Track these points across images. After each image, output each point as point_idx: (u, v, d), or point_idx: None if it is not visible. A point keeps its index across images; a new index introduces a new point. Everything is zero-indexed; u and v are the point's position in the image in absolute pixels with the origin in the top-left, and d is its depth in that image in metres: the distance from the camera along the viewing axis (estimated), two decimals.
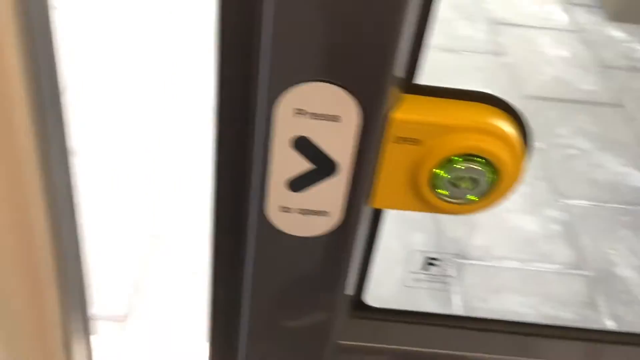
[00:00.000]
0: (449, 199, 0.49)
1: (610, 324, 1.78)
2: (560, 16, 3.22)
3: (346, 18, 0.39)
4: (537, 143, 2.16)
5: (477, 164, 0.47)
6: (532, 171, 2.25)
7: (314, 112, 0.43)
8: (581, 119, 2.53)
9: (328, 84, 0.42)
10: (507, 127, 0.47)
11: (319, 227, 0.49)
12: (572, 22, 3.17)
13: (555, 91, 2.67)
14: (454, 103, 0.48)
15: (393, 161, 0.47)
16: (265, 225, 0.49)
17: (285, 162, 0.45)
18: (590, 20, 3.20)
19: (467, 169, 0.47)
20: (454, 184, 0.48)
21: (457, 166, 0.47)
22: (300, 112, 0.43)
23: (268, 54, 0.41)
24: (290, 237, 0.50)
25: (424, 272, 0.67)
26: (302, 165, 0.46)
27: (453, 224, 1.97)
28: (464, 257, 1.92)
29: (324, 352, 0.60)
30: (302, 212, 0.48)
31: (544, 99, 2.62)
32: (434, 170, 0.47)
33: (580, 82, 2.76)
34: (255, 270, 0.54)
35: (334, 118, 0.43)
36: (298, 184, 0.47)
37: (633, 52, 3.00)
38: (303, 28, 0.40)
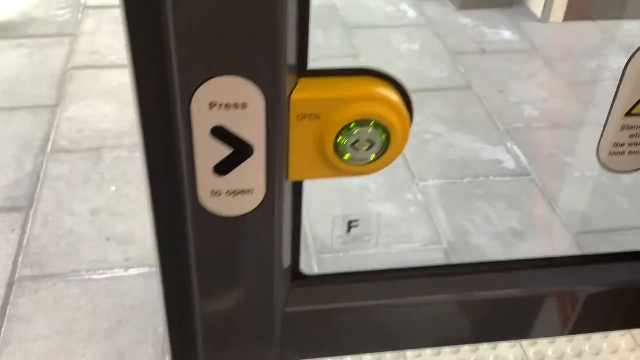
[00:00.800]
0: (355, 162, 0.56)
1: None
2: (410, 13, 3.38)
3: (237, 16, 0.45)
4: None
5: (370, 127, 0.54)
6: None
7: (226, 102, 0.49)
8: (434, 105, 2.67)
9: (233, 77, 0.47)
10: (390, 94, 0.56)
11: (247, 205, 0.55)
12: (421, 16, 3.34)
13: (408, 83, 2.80)
14: (344, 79, 0.55)
15: (300, 136, 0.53)
16: (200, 210, 0.54)
17: (208, 150, 0.51)
18: (440, 12, 3.38)
19: (362, 132, 0.54)
20: (355, 148, 0.55)
21: (354, 132, 0.54)
22: (213, 104, 0.48)
23: (176, 56, 0.46)
24: (224, 219, 0.55)
25: (349, 234, 0.75)
26: (223, 151, 0.51)
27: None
28: (322, 253, 1.99)
29: (272, 322, 0.65)
30: (230, 194, 0.54)
31: None
32: (337, 139, 0.54)
33: (432, 71, 2.90)
34: (197, 254, 0.59)
35: (243, 105, 0.49)
36: (222, 168, 0.52)
37: (481, 35, 3.19)
38: (202, 30, 0.45)
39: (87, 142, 2.39)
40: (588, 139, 2.51)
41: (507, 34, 3.22)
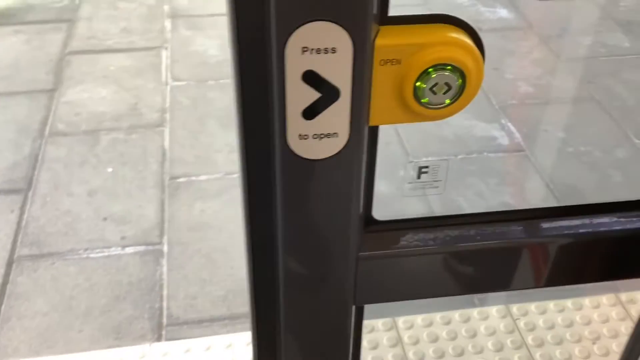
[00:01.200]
0: (431, 106, 0.58)
1: None
2: None
3: None
4: None
5: (448, 71, 0.56)
6: (385, 137, 2.37)
7: (317, 47, 0.52)
8: None
9: (325, 22, 0.51)
10: (466, 39, 0.57)
11: (331, 148, 0.58)
12: None
13: None
14: (422, 26, 0.57)
15: (381, 81, 0.56)
16: (288, 153, 0.58)
17: (298, 95, 0.54)
18: None
19: (441, 76, 0.56)
20: (433, 91, 0.57)
21: (433, 76, 0.56)
22: (305, 49, 0.52)
23: (274, 1, 0.50)
24: (309, 162, 0.59)
25: (419, 180, 0.78)
26: (312, 95, 0.55)
27: None
28: None
29: (347, 266, 0.69)
30: (316, 137, 0.57)
31: None
32: (416, 83, 0.56)
33: None
34: (283, 196, 0.62)
35: (332, 50, 0.52)
36: (310, 112, 0.55)
37: (477, 14, 3.18)
38: None
39: (85, 125, 2.42)
40: (583, 114, 2.52)
41: (503, 12, 3.21)
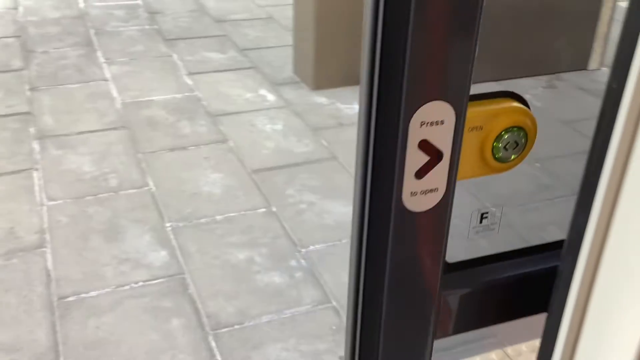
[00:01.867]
0: (502, 161, 0.76)
1: None
2: (269, 97, 3.60)
3: (449, 59, 0.66)
4: (272, 207, 2.42)
5: (516, 132, 0.75)
6: (271, 232, 2.47)
7: (431, 121, 0.67)
8: (303, 177, 2.84)
9: (439, 101, 0.67)
10: (524, 107, 0.76)
11: (432, 201, 0.72)
12: (280, 99, 3.57)
13: (277, 160, 2.97)
14: (493, 100, 0.76)
15: (469, 144, 0.74)
16: (400, 208, 0.72)
17: (414, 159, 0.69)
18: (297, 94, 3.63)
19: (511, 136, 0.75)
20: (505, 149, 0.75)
21: (505, 136, 0.75)
22: (423, 122, 0.67)
23: (406, 87, 0.65)
24: (416, 214, 0.73)
25: (480, 224, 0.91)
26: (423, 159, 0.70)
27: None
28: (217, 329, 2.03)
29: (433, 301, 0.82)
30: (422, 193, 0.72)
31: (269, 169, 2.90)
32: (493, 143, 0.75)
33: (297, 146, 3.10)
34: (393, 245, 0.74)
35: (441, 122, 0.68)
36: (420, 172, 0.70)
37: (337, 111, 3.45)
38: (426, 68, 0.66)
39: None
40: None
41: (356, 107, 3.50)
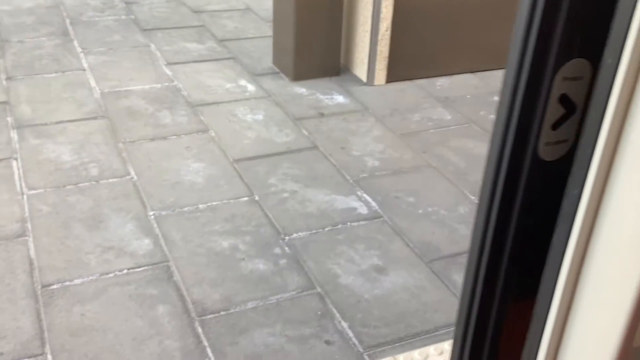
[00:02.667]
0: None
1: (344, 325, 2.03)
2: (250, 87, 3.61)
3: (594, 26, 0.75)
4: (255, 196, 2.44)
5: None
6: (255, 221, 2.48)
7: (573, 76, 0.75)
8: (285, 167, 2.86)
9: (582, 59, 0.75)
10: None
11: (561, 151, 0.80)
12: (260, 90, 3.58)
13: (259, 149, 2.98)
14: None
15: None
16: (535, 158, 0.80)
17: (553, 112, 0.77)
18: (277, 85, 3.64)
19: None
20: None
21: None
22: (566, 78, 0.75)
23: (558, 44, 0.73)
24: (547, 163, 0.81)
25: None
26: (560, 112, 0.77)
27: None
28: (203, 315, 2.05)
29: None
30: (555, 143, 0.79)
31: (251, 158, 2.91)
32: None
33: (278, 136, 3.11)
34: (524, 191, 0.84)
35: (580, 78, 0.76)
36: (556, 125, 0.78)
37: (317, 101, 3.48)
38: (578, 29, 0.75)
39: None
40: (425, 180, 2.82)
41: (339, 98, 3.54)
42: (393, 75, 3.72)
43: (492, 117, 3.42)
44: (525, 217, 0.90)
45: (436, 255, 2.37)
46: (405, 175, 2.86)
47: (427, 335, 2.02)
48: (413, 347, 1.97)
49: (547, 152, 0.83)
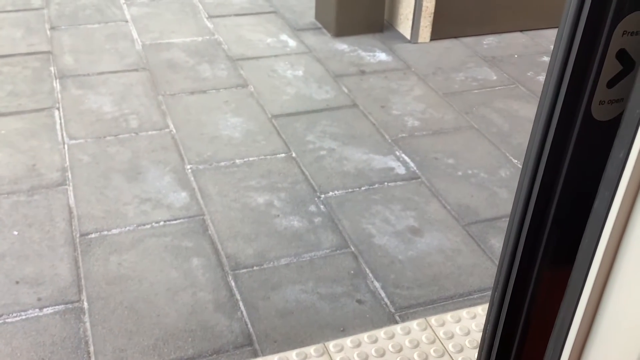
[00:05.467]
0: None
1: (376, 285, 2.01)
2: (290, 43, 3.56)
3: None
4: (292, 153, 2.42)
5: None
6: (291, 178, 2.47)
7: (631, 30, 0.70)
8: (324, 124, 2.82)
9: None
10: None
11: (616, 111, 0.75)
12: (301, 45, 3.52)
13: (298, 106, 2.95)
14: None
15: None
16: (588, 116, 0.75)
17: (609, 69, 0.71)
18: (318, 41, 3.58)
19: None
20: None
21: None
22: (625, 32, 0.69)
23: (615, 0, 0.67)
24: (600, 122, 0.75)
25: None
26: (617, 68, 0.71)
27: None
28: (236, 269, 2.06)
29: None
30: (610, 102, 0.74)
31: (290, 114, 2.88)
32: None
33: (318, 93, 3.07)
34: (574, 151, 0.80)
35: (638, 33, 0.69)
36: (612, 82, 0.72)
37: (359, 58, 3.41)
38: None
39: None
40: (466, 141, 2.76)
41: (382, 55, 3.46)
42: (438, 33, 3.61)
43: (541, 78, 3.30)
44: (572, 180, 0.85)
45: (474, 219, 2.32)
46: (445, 136, 2.79)
47: (460, 299, 1.99)
48: (445, 310, 1.95)
49: (601, 111, 0.77)
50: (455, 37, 3.67)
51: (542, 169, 0.86)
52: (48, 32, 3.55)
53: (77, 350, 1.75)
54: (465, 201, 2.40)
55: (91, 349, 1.76)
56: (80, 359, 1.73)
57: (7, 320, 1.83)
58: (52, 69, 3.18)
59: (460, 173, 2.56)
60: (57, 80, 3.08)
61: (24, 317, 1.84)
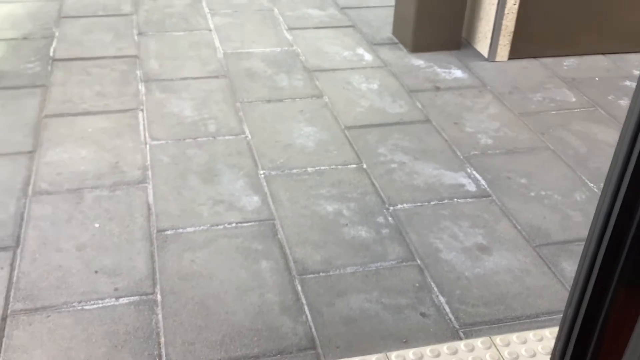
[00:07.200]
0: None
1: (441, 299, 2.01)
2: (367, 56, 3.60)
3: None
4: (363, 164, 2.47)
5: None
6: (361, 188, 2.50)
7: None
8: (396, 138, 2.84)
9: None
10: None
11: None
12: (377, 59, 3.56)
13: (371, 119, 2.99)
14: None
15: None
16: None
17: None
18: (394, 55, 3.61)
19: None
20: None
21: None
22: None
23: None
24: None
25: None
26: None
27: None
28: (303, 274, 2.10)
29: None
30: None
31: (362, 126, 2.92)
32: None
33: (391, 107, 3.10)
34: None
35: None
36: None
37: (434, 75, 3.42)
38: None
39: (67, 184, 2.46)
40: (540, 162, 2.72)
41: (457, 72, 3.45)
42: (516, 52, 3.58)
43: (622, 102, 3.22)
44: None
45: (545, 240, 2.29)
46: (519, 156, 2.76)
47: (527, 320, 1.97)
48: (511, 330, 1.93)
49: None
50: (534, 57, 3.62)
51: (624, 188, 0.86)
52: (136, 37, 3.72)
53: (148, 340, 1.83)
54: (537, 222, 2.37)
55: (162, 340, 1.84)
56: (151, 349, 1.80)
57: (85, 307, 1.93)
58: (138, 72, 3.33)
59: (533, 194, 2.52)
60: (142, 84, 3.22)
61: (100, 305, 1.94)
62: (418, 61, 3.56)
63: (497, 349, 1.86)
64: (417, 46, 3.64)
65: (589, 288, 0.97)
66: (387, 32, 3.89)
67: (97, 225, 2.26)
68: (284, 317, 1.93)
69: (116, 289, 2.00)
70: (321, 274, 2.10)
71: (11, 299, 1.94)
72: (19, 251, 2.12)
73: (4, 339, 1.81)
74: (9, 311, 1.90)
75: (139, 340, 1.83)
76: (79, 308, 1.92)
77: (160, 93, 3.14)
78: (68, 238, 2.19)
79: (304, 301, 1.99)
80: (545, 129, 2.96)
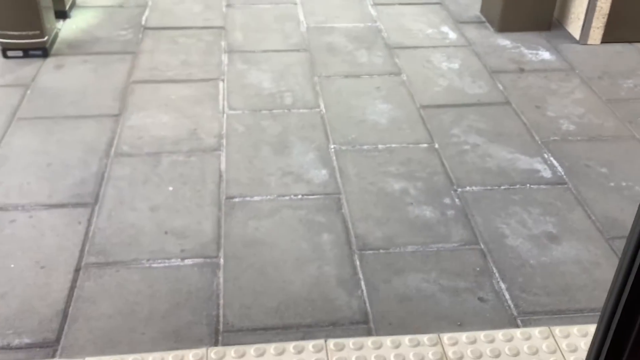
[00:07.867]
0: None
1: (502, 286, 1.97)
2: (451, 35, 3.52)
3: None
4: (435, 144, 2.45)
5: None
6: (430, 168, 2.47)
7: None
8: (472, 119, 2.78)
9: None
10: None
11: None
12: (461, 38, 3.48)
13: (448, 98, 2.93)
14: None
15: None
16: None
17: None
18: (480, 34, 3.51)
19: None
20: None
21: None
22: None
23: None
24: None
25: None
26: None
27: None
28: (363, 249, 2.11)
29: None
30: None
31: (438, 106, 2.87)
32: None
33: (471, 87, 3.02)
34: None
35: None
36: None
37: (520, 56, 3.30)
38: None
39: (147, 147, 2.58)
40: (624, 152, 2.58)
41: (545, 54, 3.32)
42: (610, 35, 3.39)
43: None
44: None
45: (620, 233, 2.19)
46: (602, 144, 2.64)
47: (590, 314, 1.90)
48: (573, 323, 1.87)
49: None
50: (629, 42, 3.43)
51: None
52: (224, 9, 3.81)
53: (208, 301, 1.91)
54: (614, 214, 2.27)
55: (221, 302, 1.91)
56: (210, 309, 1.88)
57: (152, 265, 2.03)
58: (222, 43, 3.41)
59: (612, 184, 2.41)
60: (226, 54, 3.30)
61: (167, 264, 2.03)
62: (504, 41, 3.45)
63: (555, 340, 1.81)
64: (505, 25, 3.52)
65: (629, 282, 0.93)
66: (475, 10, 3.79)
67: (170, 188, 2.36)
68: (339, 290, 1.95)
69: (183, 250, 2.09)
70: (381, 250, 2.10)
71: (85, 253, 2.06)
72: (97, 208, 2.25)
73: (76, 290, 1.93)
74: (82, 264, 2.02)
75: (200, 300, 1.91)
76: (147, 265, 2.02)
77: (241, 64, 3.21)
78: (143, 199, 2.30)
79: (361, 276, 2.00)
80: (633, 118, 2.81)
